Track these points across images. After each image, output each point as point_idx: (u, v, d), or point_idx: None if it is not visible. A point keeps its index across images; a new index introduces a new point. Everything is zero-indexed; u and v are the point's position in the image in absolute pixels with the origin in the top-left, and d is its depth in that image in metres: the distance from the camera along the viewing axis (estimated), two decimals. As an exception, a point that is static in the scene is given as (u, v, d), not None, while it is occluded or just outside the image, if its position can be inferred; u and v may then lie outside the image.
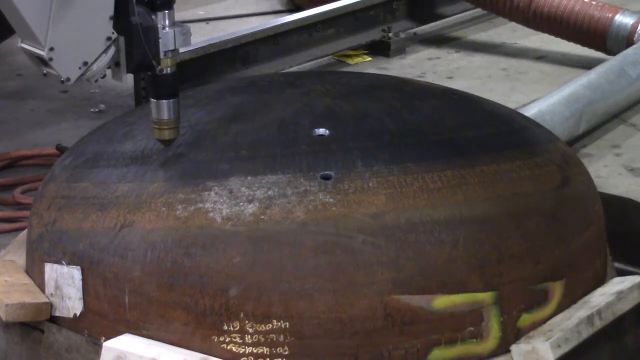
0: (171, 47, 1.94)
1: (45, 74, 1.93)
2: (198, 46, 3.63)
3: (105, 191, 1.99)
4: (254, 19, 5.84)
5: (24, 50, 1.92)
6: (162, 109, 1.98)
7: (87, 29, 1.90)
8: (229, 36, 3.91)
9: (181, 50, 1.98)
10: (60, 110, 4.58)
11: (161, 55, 1.94)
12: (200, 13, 5.90)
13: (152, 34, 1.92)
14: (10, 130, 4.35)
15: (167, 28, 1.93)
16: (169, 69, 1.96)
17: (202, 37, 3.99)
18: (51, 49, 1.88)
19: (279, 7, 6.08)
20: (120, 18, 1.91)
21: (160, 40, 1.93)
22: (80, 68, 1.92)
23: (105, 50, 1.92)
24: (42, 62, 1.91)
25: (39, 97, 4.70)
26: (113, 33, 1.92)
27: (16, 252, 2.21)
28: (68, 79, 1.92)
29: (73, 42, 1.90)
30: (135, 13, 1.90)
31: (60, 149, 3.78)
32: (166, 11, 1.93)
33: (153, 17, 1.92)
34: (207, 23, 5.81)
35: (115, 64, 1.96)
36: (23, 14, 1.84)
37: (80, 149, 2.21)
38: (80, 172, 2.09)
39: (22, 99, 4.71)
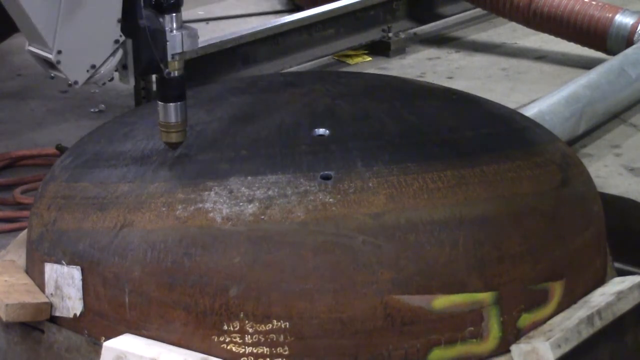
0: (179, 50, 1.93)
1: (52, 77, 1.93)
2: (198, 46, 3.63)
3: (105, 191, 1.99)
4: (254, 19, 5.84)
5: (32, 53, 1.91)
6: (170, 112, 1.97)
7: (95, 32, 1.89)
8: (229, 36, 3.91)
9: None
10: (60, 110, 4.58)
11: (169, 58, 1.93)
12: (200, 13, 5.90)
13: (159, 37, 1.91)
14: (10, 130, 4.35)
15: (174, 31, 1.92)
16: (176, 71, 1.95)
17: (202, 37, 3.98)
18: (59, 52, 1.87)
19: (279, 7, 6.08)
20: (128, 21, 1.91)
21: (167, 43, 1.92)
22: (88, 71, 1.91)
23: (113, 53, 1.92)
24: (50, 65, 1.90)
25: (39, 97, 4.69)
26: (121, 36, 1.91)
27: (16, 252, 2.21)
28: (76, 82, 1.91)
29: (81, 45, 1.89)
30: (143, 16, 1.90)
31: (60, 149, 3.78)
32: (174, 14, 1.92)
33: (160, 19, 1.92)
34: (207, 23, 5.81)
35: (122, 66, 1.95)
36: (31, 17, 1.84)
37: (80, 149, 2.21)
38: (80, 172, 2.09)
39: (22, 99, 4.70)
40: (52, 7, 1.84)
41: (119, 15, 1.90)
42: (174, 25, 1.92)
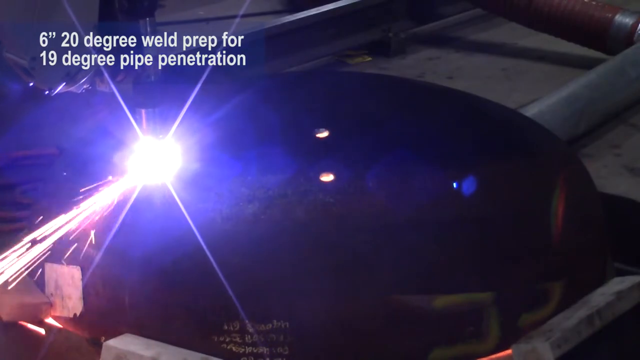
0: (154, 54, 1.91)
1: (30, 84, 1.88)
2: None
3: (105, 191, 1.99)
4: (254, 19, 5.83)
5: (9, 59, 1.87)
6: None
7: (70, 39, 1.86)
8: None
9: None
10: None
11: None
12: (200, 13, 5.89)
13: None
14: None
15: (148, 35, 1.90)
16: (152, 77, 1.93)
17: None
18: (33, 59, 1.83)
19: (279, 7, 6.08)
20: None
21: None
22: (62, 79, 1.87)
23: (90, 61, 1.88)
24: (26, 72, 1.86)
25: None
26: (97, 42, 1.87)
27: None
28: (50, 90, 1.86)
29: (55, 52, 1.85)
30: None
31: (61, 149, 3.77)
32: (147, 18, 1.90)
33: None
34: (207, 23, 5.80)
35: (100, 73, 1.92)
36: (7, 22, 1.81)
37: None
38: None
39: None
40: (27, 13, 1.80)
41: (95, 21, 1.85)
42: (148, 30, 1.89)
